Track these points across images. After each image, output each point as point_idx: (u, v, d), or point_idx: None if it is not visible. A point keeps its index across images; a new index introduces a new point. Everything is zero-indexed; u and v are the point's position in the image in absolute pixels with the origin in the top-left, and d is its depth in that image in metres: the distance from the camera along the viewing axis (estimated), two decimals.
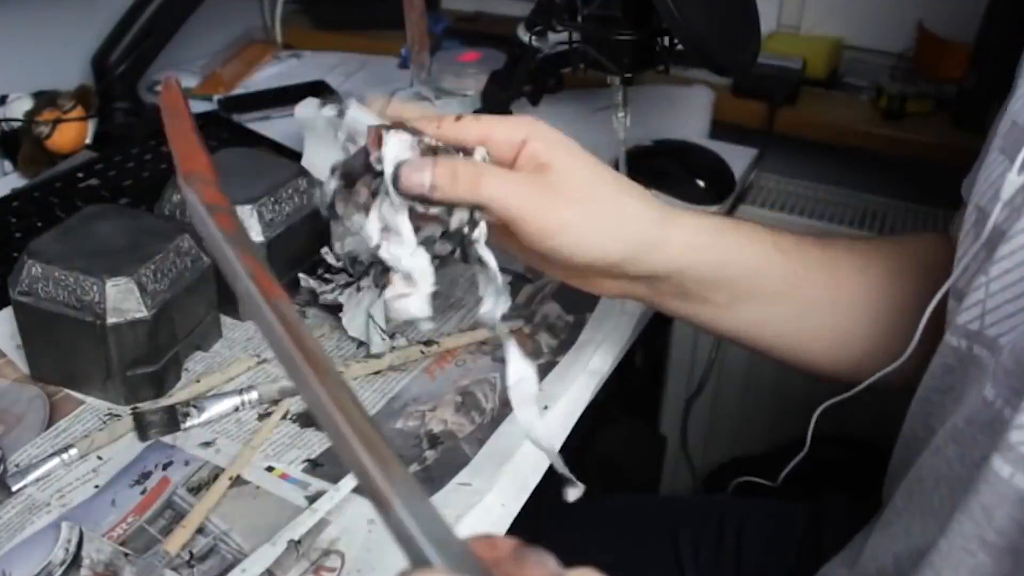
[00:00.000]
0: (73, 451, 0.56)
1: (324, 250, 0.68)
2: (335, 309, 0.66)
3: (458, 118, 0.50)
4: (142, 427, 0.58)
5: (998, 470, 0.41)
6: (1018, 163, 0.45)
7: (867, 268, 0.57)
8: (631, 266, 0.51)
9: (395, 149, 0.47)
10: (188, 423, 0.59)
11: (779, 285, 0.55)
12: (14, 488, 0.53)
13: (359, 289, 0.65)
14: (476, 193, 0.47)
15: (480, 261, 0.48)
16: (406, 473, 0.28)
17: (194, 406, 0.59)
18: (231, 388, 0.61)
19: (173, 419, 0.58)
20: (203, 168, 0.40)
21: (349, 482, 0.53)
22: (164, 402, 0.60)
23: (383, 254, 0.47)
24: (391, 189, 0.46)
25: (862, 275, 0.57)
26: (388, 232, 0.47)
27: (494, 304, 0.49)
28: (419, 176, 0.46)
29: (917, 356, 0.53)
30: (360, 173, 0.48)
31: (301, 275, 0.67)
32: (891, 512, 0.51)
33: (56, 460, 0.55)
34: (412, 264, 0.47)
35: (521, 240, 0.49)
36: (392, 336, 0.65)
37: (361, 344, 0.66)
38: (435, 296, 0.48)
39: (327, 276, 0.67)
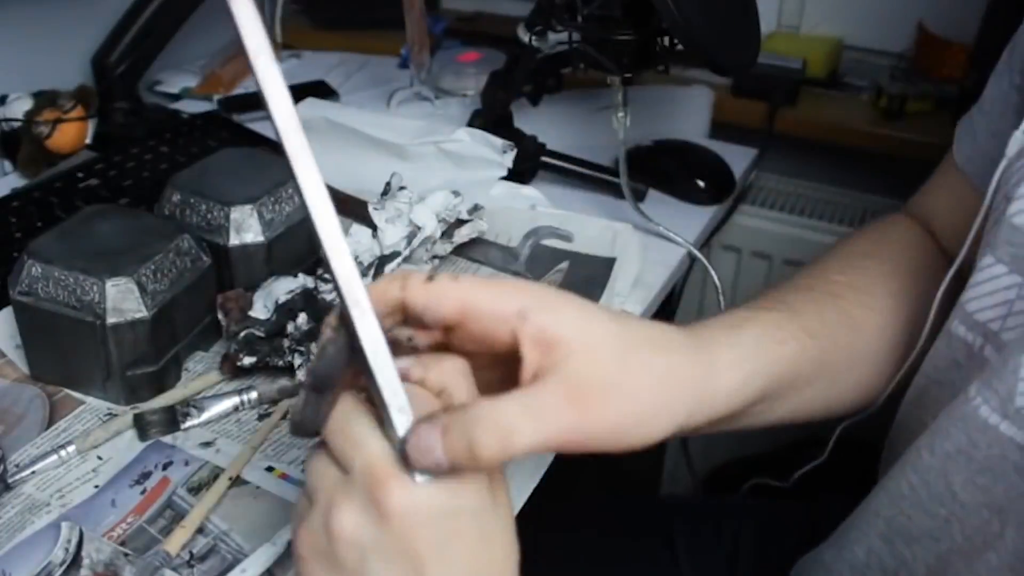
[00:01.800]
0: (71, 448, 0.56)
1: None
2: None
3: (430, 278, 0.38)
4: (142, 427, 0.58)
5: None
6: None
7: (873, 303, 0.55)
8: (680, 430, 0.42)
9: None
10: (188, 423, 0.59)
11: (812, 370, 0.51)
12: (14, 487, 0.53)
13: None
14: (508, 455, 0.35)
15: None
16: None
17: (194, 406, 0.59)
18: (231, 388, 0.61)
19: (173, 419, 0.58)
20: None
21: None
22: (164, 402, 0.60)
23: None
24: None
25: (871, 312, 0.54)
26: None
27: None
28: (431, 457, 0.35)
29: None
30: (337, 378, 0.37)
31: (301, 274, 0.67)
32: (881, 497, 0.51)
33: (54, 457, 0.55)
34: None
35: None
36: None
37: None
38: None
39: (326, 276, 0.67)
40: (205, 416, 0.59)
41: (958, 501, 0.46)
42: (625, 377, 0.39)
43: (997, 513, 0.45)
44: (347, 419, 0.37)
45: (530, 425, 0.36)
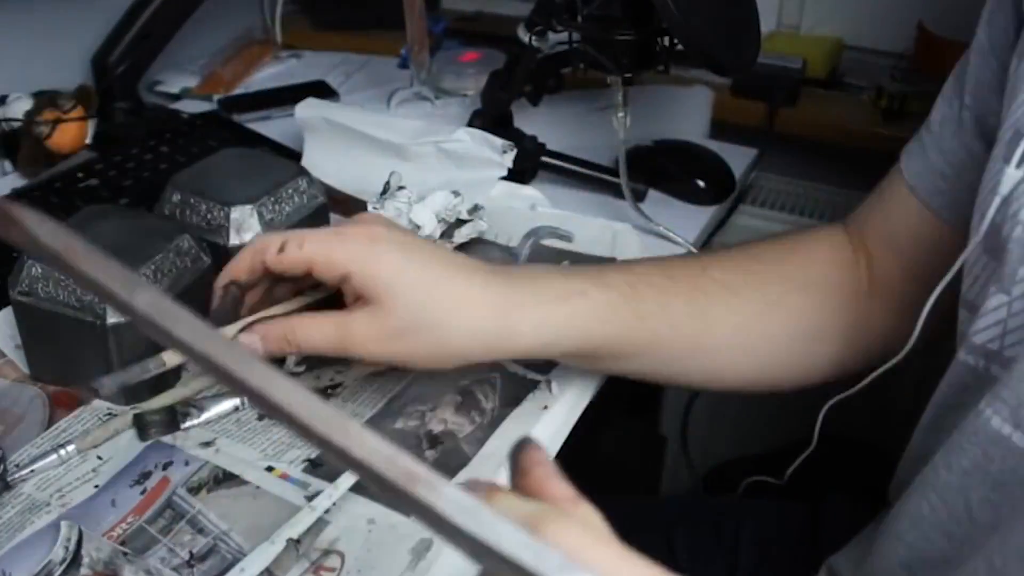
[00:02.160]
0: (71, 447, 0.56)
1: None
2: None
3: (281, 248, 0.51)
4: (142, 427, 0.58)
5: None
6: (1016, 157, 0.45)
7: (738, 307, 0.59)
8: (489, 357, 0.54)
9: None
10: (188, 423, 0.59)
11: (639, 347, 0.57)
12: (14, 487, 0.53)
13: None
14: (291, 346, 0.51)
15: None
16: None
17: (194, 406, 0.59)
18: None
19: (173, 419, 0.58)
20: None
21: (347, 479, 0.53)
22: (164, 402, 0.60)
23: None
24: None
25: (732, 315, 0.59)
26: None
27: None
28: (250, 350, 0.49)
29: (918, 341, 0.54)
30: None
31: None
32: (902, 520, 0.51)
33: (53, 456, 0.55)
34: None
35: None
36: None
37: None
38: None
39: None
40: (205, 416, 0.59)
41: (973, 521, 0.46)
42: (416, 320, 0.50)
43: (993, 530, 0.44)
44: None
45: (306, 328, 0.50)
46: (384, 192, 0.74)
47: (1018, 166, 0.45)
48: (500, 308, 0.52)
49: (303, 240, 0.51)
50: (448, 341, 0.51)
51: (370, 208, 0.72)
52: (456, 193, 0.73)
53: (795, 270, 0.62)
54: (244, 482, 0.55)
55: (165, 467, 0.56)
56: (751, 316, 0.59)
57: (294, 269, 0.51)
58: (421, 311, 0.50)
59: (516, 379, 0.63)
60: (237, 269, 0.53)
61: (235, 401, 0.60)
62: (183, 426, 0.58)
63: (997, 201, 0.46)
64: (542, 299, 0.53)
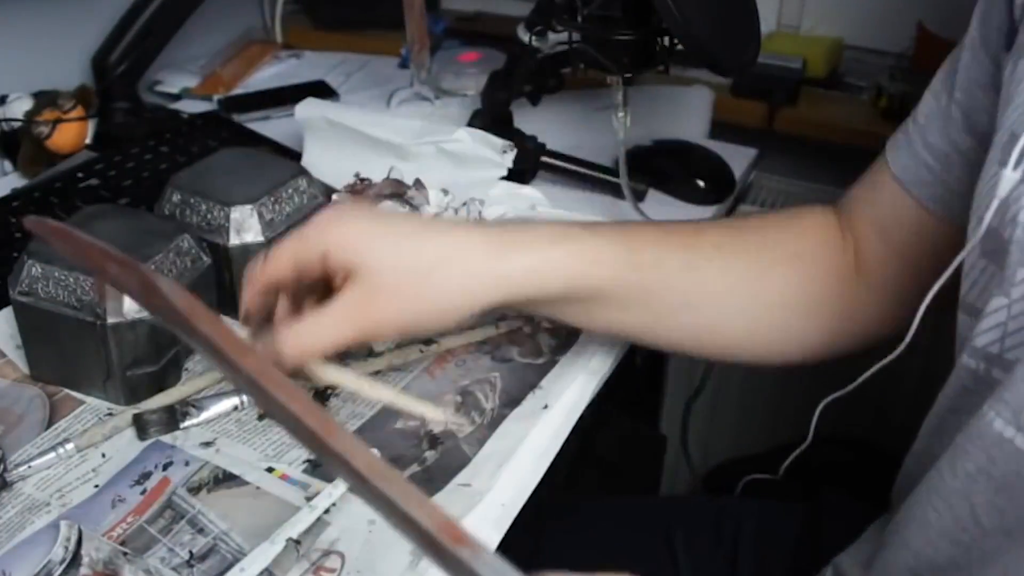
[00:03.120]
0: (69, 445, 0.56)
1: None
2: None
3: (264, 258, 0.51)
4: (142, 427, 0.58)
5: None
6: (1013, 159, 0.45)
7: (729, 268, 0.60)
8: (486, 301, 0.52)
9: None
10: (188, 423, 0.59)
11: (627, 296, 0.57)
12: (14, 487, 0.53)
13: None
14: (302, 357, 0.49)
15: None
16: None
17: (194, 406, 0.59)
18: (231, 388, 0.61)
19: (173, 419, 0.58)
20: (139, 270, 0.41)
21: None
22: (164, 402, 0.60)
23: None
24: None
25: (723, 275, 0.59)
26: None
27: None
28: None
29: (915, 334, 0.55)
30: None
31: None
32: (908, 526, 0.51)
33: (51, 455, 0.55)
34: None
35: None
36: None
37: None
38: None
39: None
40: (205, 416, 0.59)
41: (980, 526, 0.46)
42: (403, 283, 0.50)
43: (1007, 536, 0.44)
44: None
45: (309, 335, 0.49)
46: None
47: (1015, 168, 0.45)
48: (492, 251, 0.52)
49: (278, 243, 0.52)
50: (442, 288, 0.51)
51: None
52: (445, 191, 0.73)
53: (787, 241, 0.62)
54: (244, 482, 0.55)
55: (165, 467, 0.56)
56: (742, 278, 0.60)
57: (281, 271, 0.51)
58: (408, 259, 0.50)
59: (516, 379, 0.63)
60: (248, 304, 0.53)
61: (235, 401, 0.60)
62: (182, 425, 0.58)
63: (995, 204, 0.46)
64: (535, 242, 0.54)
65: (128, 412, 0.59)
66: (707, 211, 0.90)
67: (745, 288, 0.60)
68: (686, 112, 1.05)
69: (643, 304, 0.58)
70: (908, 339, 0.54)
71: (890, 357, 0.55)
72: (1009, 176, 0.45)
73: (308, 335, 0.50)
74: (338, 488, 0.53)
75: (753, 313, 0.61)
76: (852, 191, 0.65)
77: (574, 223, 0.58)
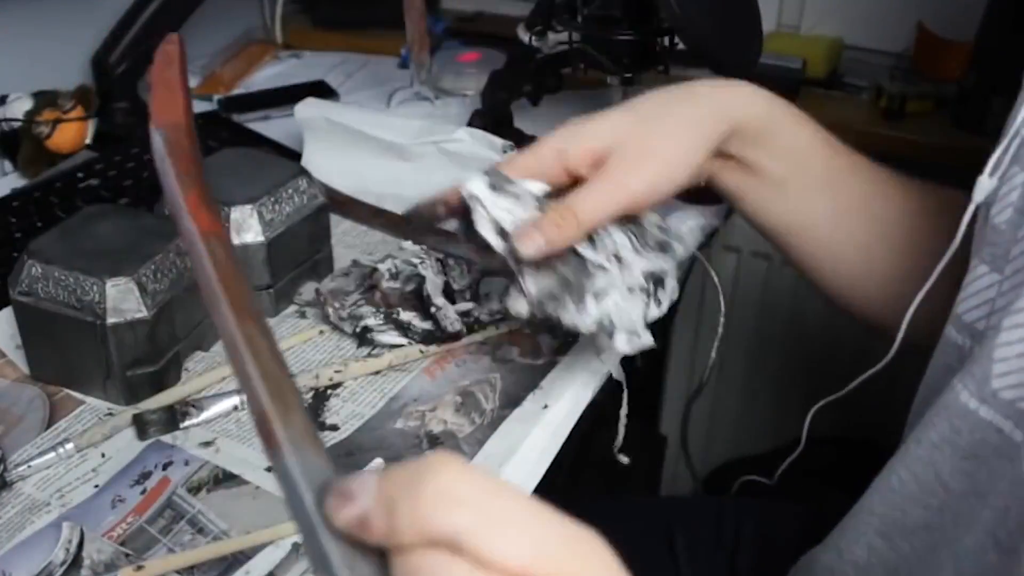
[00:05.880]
0: (69, 445, 0.56)
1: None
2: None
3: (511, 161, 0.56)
4: (142, 427, 0.58)
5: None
6: (989, 165, 0.47)
7: (869, 201, 0.61)
8: (716, 141, 0.58)
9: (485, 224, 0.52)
10: (188, 423, 0.59)
11: (822, 175, 0.60)
12: (14, 487, 0.53)
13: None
14: (583, 227, 0.52)
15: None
16: (304, 421, 0.29)
17: (194, 406, 0.59)
18: (231, 388, 0.61)
19: (173, 419, 0.58)
20: (178, 119, 0.40)
21: None
22: (164, 402, 0.60)
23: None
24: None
25: (858, 197, 0.61)
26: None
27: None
28: (532, 244, 0.51)
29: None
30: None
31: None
32: (872, 495, 0.52)
33: (51, 454, 0.55)
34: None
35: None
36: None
37: (361, 344, 0.66)
38: None
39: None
40: (205, 416, 0.59)
41: (949, 491, 0.47)
42: (644, 143, 0.55)
43: (980, 497, 0.45)
44: None
45: (591, 202, 0.53)
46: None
47: (991, 175, 0.47)
48: (708, 92, 0.61)
49: (527, 149, 0.57)
50: (676, 134, 0.57)
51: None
52: None
53: (935, 206, 0.61)
54: (244, 482, 0.55)
55: (165, 467, 0.56)
56: (871, 211, 0.61)
57: (536, 173, 0.55)
58: (643, 136, 0.55)
59: (516, 379, 0.63)
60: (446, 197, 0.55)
61: (234, 401, 0.60)
62: (182, 425, 0.58)
63: (972, 209, 0.47)
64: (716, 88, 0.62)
65: (128, 412, 0.59)
66: (707, 211, 0.89)
67: (866, 225, 0.61)
68: None
69: (827, 189, 0.60)
70: (895, 347, 0.55)
71: (880, 364, 0.56)
72: (984, 182, 0.46)
73: (601, 193, 0.54)
74: None
75: (866, 246, 0.61)
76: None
77: None
